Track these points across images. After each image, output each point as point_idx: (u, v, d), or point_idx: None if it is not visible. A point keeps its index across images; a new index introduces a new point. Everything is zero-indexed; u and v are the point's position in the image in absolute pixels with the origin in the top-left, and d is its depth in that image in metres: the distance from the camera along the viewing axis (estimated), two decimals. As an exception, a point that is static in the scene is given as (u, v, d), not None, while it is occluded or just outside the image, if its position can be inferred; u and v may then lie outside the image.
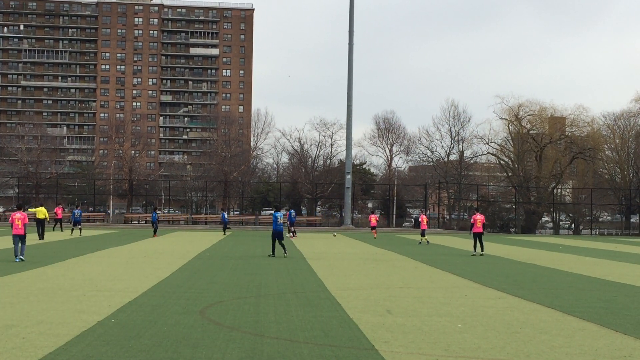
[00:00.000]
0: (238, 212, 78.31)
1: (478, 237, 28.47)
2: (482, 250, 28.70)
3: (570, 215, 75.22)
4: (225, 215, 49.05)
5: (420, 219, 39.86)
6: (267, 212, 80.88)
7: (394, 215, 76.86)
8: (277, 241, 25.38)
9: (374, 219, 47.19)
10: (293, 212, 45.00)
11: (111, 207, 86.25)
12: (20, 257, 21.62)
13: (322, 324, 11.00)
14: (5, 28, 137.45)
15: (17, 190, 77.91)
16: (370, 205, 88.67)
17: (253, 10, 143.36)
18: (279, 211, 26.38)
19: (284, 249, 25.62)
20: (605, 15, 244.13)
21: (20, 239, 21.76)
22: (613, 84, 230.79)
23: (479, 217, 28.66)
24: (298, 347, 9.19)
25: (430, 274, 19.90)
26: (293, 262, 23.36)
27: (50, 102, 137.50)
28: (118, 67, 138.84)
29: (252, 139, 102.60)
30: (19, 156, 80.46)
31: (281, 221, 25.81)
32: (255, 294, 14.61)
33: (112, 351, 8.75)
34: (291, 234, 41.85)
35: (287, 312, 12.13)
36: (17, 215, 22.04)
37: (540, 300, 14.40)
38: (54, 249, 27.75)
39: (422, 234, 38.10)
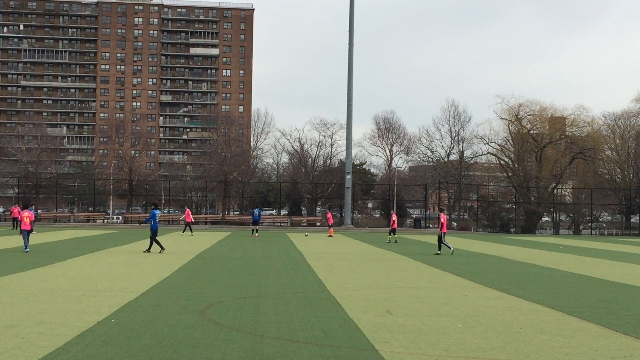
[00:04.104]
0: (238, 212, 78.33)
1: (444, 236, 28.55)
2: (440, 250, 28.64)
3: (571, 215, 75.22)
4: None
5: (392, 219, 40.08)
6: (267, 211, 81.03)
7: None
8: (152, 237, 26.27)
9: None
10: (256, 212, 43.64)
11: (111, 207, 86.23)
12: (26, 249, 25.34)
13: (322, 324, 11.00)
14: (5, 28, 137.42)
15: (17, 190, 77.83)
16: (370, 205, 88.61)
17: (253, 10, 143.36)
18: (158, 209, 27.42)
19: (158, 246, 26.32)
20: (605, 15, 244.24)
21: (27, 233, 25.66)
22: (613, 84, 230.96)
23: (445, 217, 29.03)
24: (298, 347, 9.18)
25: (430, 274, 19.90)
26: (293, 262, 23.36)
27: (50, 102, 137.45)
28: (118, 67, 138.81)
29: (252, 139, 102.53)
30: (19, 156, 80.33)
31: (159, 219, 27.03)
32: (255, 294, 14.61)
33: (112, 351, 8.75)
34: (255, 234, 42.17)
35: (287, 312, 12.13)
36: (25, 213, 26.11)
37: (540, 300, 14.40)
38: (53, 249, 27.75)
39: (392, 232, 38.92)
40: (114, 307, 12.29)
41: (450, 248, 28.52)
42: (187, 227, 44.58)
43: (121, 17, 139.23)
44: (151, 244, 26.60)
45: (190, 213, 45.25)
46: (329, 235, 45.37)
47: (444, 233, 28.52)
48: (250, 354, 8.74)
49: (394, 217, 40.35)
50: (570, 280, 19.05)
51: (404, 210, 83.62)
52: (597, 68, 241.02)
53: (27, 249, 25.49)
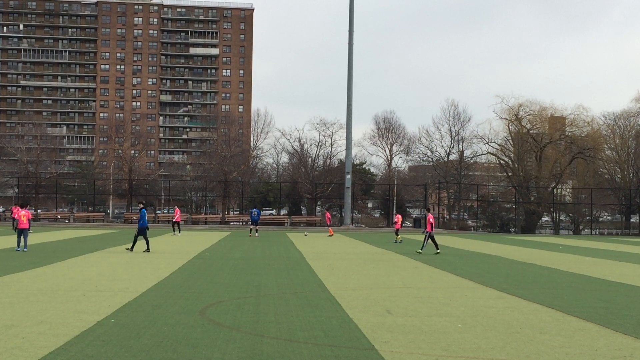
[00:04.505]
0: (238, 212, 78.32)
1: (433, 236, 28.64)
2: (438, 249, 28.83)
3: (570, 215, 75.22)
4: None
5: (396, 219, 41.97)
6: (267, 211, 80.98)
7: (394, 216, 76.82)
8: (141, 236, 26.55)
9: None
10: (255, 212, 42.96)
11: (111, 207, 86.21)
12: (24, 248, 25.66)
13: (322, 324, 11.00)
14: (5, 28, 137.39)
15: (17, 190, 77.81)
16: (370, 205, 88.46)
17: (253, 10, 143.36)
18: (145, 208, 27.96)
19: (133, 243, 26.74)
20: (605, 15, 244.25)
21: (23, 232, 25.84)
22: (613, 84, 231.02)
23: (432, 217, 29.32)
24: (298, 347, 9.18)
25: (430, 274, 19.89)
26: (293, 262, 23.35)
27: (50, 102, 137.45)
28: (118, 67, 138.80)
29: (252, 139, 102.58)
30: (18, 156, 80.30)
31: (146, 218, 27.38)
32: (255, 294, 14.60)
33: (112, 351, 8.75)
34: (254, 234, 42.25)
35: (287, 312, 12.12)
36: (22, 212, 26.43)
37: (540, 300, 14.40)
38: (53, 249, 27.75)
39: (396, 233, 40.20)
40: (113, 307, 12.28)
41: (421, 249, 28.72)
42: (175, 226, 44.64)
43: (121, 17, 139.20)
44: (147, 243, 26.71)
45: (178, 212, 45.29)
46: (329, 235, 45.46)
47: (432, 232, 28.61)
48: (250, 354, 8.74)
49: (397, 218, 41.82)
50: (570, 280, 19.05)
51: (404, 210, 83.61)
52: (597, 68, 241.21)
53: (26, 248, 25.83)
